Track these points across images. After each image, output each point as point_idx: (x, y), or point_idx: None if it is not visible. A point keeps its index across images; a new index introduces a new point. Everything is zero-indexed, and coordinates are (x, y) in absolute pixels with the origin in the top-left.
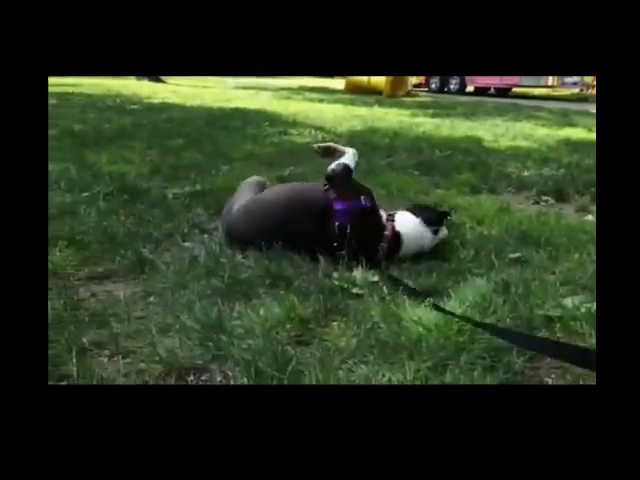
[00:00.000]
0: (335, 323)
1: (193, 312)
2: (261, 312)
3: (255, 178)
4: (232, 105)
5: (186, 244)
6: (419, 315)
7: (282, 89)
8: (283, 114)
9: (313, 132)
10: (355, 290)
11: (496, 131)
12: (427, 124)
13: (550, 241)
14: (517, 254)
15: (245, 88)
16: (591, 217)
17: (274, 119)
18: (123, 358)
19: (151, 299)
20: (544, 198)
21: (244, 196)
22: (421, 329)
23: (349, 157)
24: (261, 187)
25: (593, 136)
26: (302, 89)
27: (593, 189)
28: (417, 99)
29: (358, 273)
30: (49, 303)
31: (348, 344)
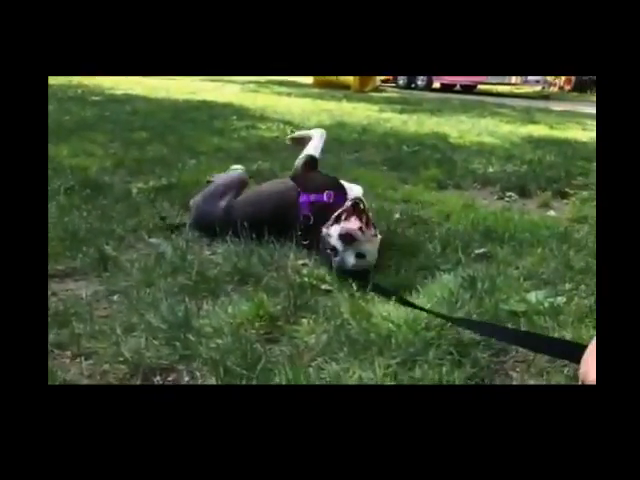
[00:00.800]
0: (304, 320)
1: (159, 311)
2: (229, 310)
3: (237, 172)
4: (198, 98)
5: (151, 240)
6: (388, 311)
7: (250, 82)
8: (251, 108)
9: (281, 126)
10: (324, 286)
11: (462, 127)
12: (395, 120)
13: (514, 236)
14: (482, 249)
15: (212, 80)
16: (553, 212)
17: (242, 113)
18: (86, 359)
19: (115, 298)
20: (508, 194)
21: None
22: (390, 325)
23: (314, 144)
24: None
25: (554, 133)
26: (270, 82)
27: (555, 185)
28: (385, 95)
29: (325, 271)
30: None
31: (318, 341)
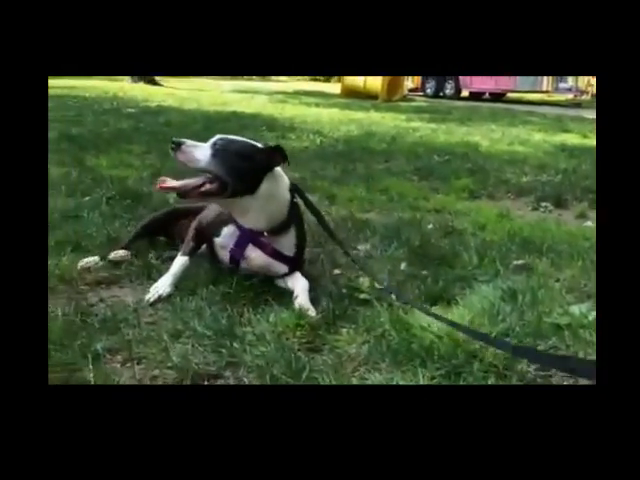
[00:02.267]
0: (344, 329)
1: (203, 318)
2: (271, 318)
3: None
4: (229, 109)
5: None
6: (427, 322)
7: (277, 93)
8: (280, 118)
9: (311, 137)
10: (362, 296)
11: (492, 136)
12: (424, 129)
13: (552, 248)
14: (521, 261)
15: (241, 92)
16: (590, 223)
17: (271, 123)
18: (137, 364)
19: (159, 305)
20: (543, 204)
21: None
22: (432, 336)
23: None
24: None
25: (588, 142)
26: (297, 93)
27: (591, 195)
28: (413, 104)
29: (365, 280)
30: (59, 309)
31: (359, 351)
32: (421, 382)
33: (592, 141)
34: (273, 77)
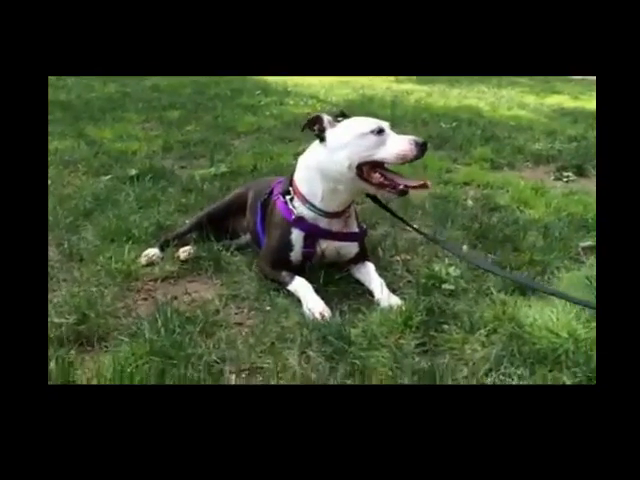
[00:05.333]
0: (447, 326)
1: (294, 317)
2: (374, 317)
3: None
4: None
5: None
6: (533, 316)
7: None
8: (269, 81)
9: (309, 102)
10: (446, 286)
11: (488, 100)
12: (417, 91)
13: None
14: (588, 242)
15: None
16: None
17: (264, 87)
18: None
19: (244, 303)
20: (565, 174)
21: None
22: (549, 334)
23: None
24: None
25: (583, 104)
26: None
27: None
28: None
29: (441, 266)
30: (145, 313)
31: (487, 354)
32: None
33: (586, 104)
34: None
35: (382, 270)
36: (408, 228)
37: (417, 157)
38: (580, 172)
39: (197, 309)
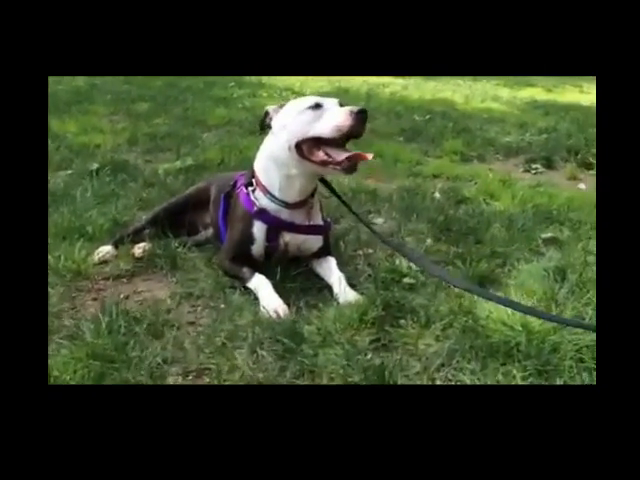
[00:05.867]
0: (403, 321)
1: (248, 316)
2: (330, 314)
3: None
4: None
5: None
6: (489, 309)
7: None
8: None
9: (283, 94)
10: (407, 280)
11: (463, 92)
12: (393, 84)
13: (567, 217)
14: (549, 234)
15: None
16: (583, 186)
17: (238, 80)
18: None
19: (199, 302)
20: (533, 166)
21: None
22: (503, 327)
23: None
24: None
25: (556, 97)
26: None
27: (578, 156)
28: None
29: (403, 260)
30: (90, 311)
31: (440, 349)
32: (516, 381)
33: (559, 96)
34: None
35: (344, 265)
36: (374, 220)
37: (355, 127)
38: (549, 164)
39: (147, 309)
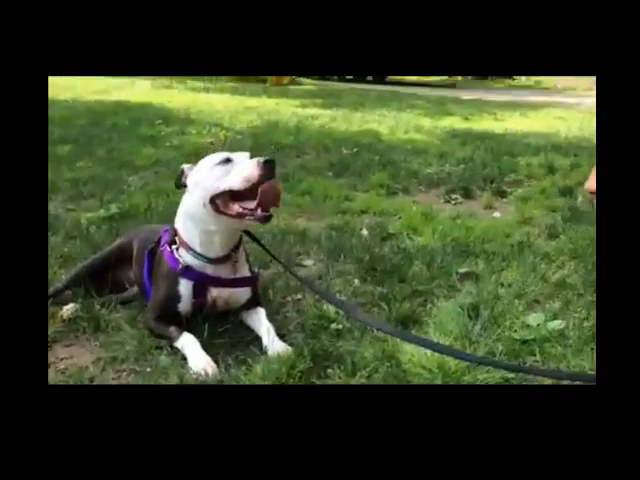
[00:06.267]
0: (331, 371)
1: (174, 378)
2: (259, 369)
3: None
4: (111, 98)
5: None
6: (412, 353)
7: (160, 76)
8: (172, 108)
9: (212, 130)
10: (334, 326)
11: (388, 123)
12: (322, 116)
13: (484, 249)
14: (465, 269)
15: (118, 76)
16: (498, 214)
17: (165, 115)
18: None
19: (124, 366)
20: (453, 196)
21: None
22: (424, 371)
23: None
24: None
25: (472, 125)
26: (181, 76)
27: (493, 185)
28: (302, 87)
29: (330, 305)
30: None
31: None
32: None
33: (475, 124)
34: None
35: (273, 313)
36: (303, 263)
37: (265, 176)
38: (467, 194)
39: (69, 379)
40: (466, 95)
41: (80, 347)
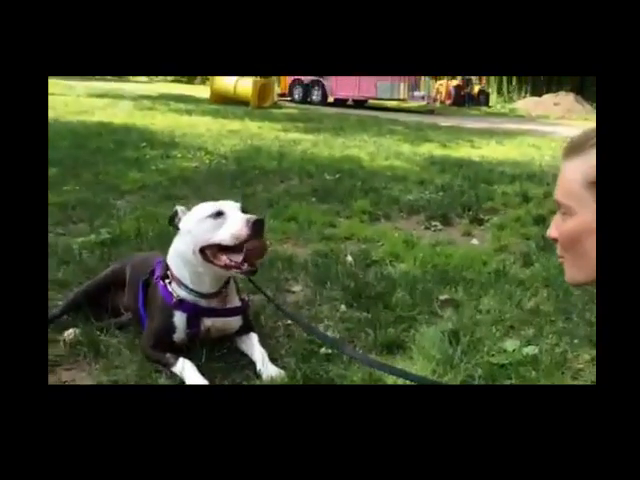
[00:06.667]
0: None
1: None
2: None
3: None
4: (93, 118)
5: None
6: (394, 379)
7: (142, 97)
8: (156, 130)
9: (197, 154)
10: (323, 351)
11: (368, 149)
12: (304, 141)
13: (463, 276)
14: (445, 296)
15: (99, 96)
16: (476, 241)
17: (149, 138)
18: None
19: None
20: (433, 223)
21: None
22: None
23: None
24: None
25: (449, 152)
26: (164, 97)
27: (470, 212)
28: (284, 110)
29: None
30: None
31: None
32: None
33: (452, 151)
34: (131, 77)
35: (265, 338)
36: (291, 289)
37: (252, 235)
38: (446, 221)
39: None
40: (444, 121)
41: (81, 371)
